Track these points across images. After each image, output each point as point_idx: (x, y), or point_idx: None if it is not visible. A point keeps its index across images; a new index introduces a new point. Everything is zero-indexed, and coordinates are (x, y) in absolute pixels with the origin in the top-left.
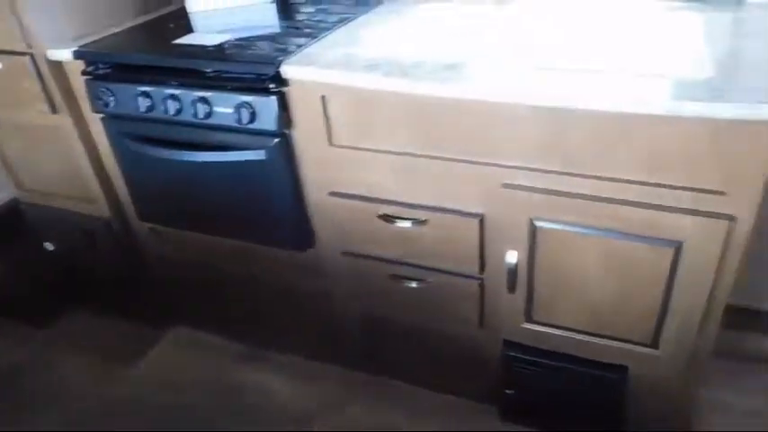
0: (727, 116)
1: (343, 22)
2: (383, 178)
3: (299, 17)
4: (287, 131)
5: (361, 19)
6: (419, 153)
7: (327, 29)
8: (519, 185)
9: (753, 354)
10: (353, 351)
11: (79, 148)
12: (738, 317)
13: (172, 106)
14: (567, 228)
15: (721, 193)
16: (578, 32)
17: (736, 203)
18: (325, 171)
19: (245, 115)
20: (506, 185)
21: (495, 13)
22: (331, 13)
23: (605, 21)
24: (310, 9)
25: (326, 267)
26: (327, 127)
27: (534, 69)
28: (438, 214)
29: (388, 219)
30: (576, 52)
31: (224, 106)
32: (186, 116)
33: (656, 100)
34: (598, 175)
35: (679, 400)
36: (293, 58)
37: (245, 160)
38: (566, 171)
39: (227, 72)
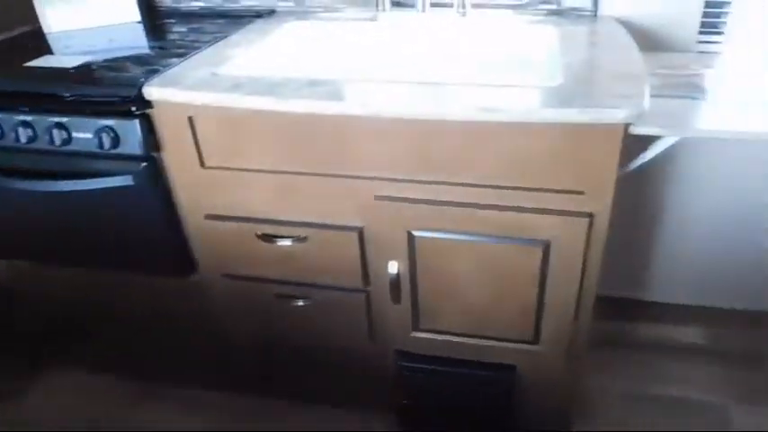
0: (577, 120)
1: (214, 41)
2: (259, 197)
3: (171, 37)
4: (155, 155)
5: (234, 37)
6: (293, 170)
7: (197, 48)
8: (392, 197)
9: (629, 341)
10: (249, 375)
11: None
12: (615, 307)
13: (23, 134)
14: (443, 235)
15: (579, 193)
16: (442, 47)
17: (593, 202)
18: (200, 193)
19: (107, 140)
20: (379, 198)
21: (364, 31)
22: (204, 33)
23: (468, 35)
24: (182, 29)
25: (210, 292)
26: (198, 148)
27: (398, 83)
28: (318, 230)
29: (268, 238)
30: (439, 66)
31: (83, 132)
32: (42, 144)
33: (511, 108)
34: (465, 182)
35: (562, 391)
36: (156, 79)
37: (112, 187)
38: (435, 180)
39: (85, 95)
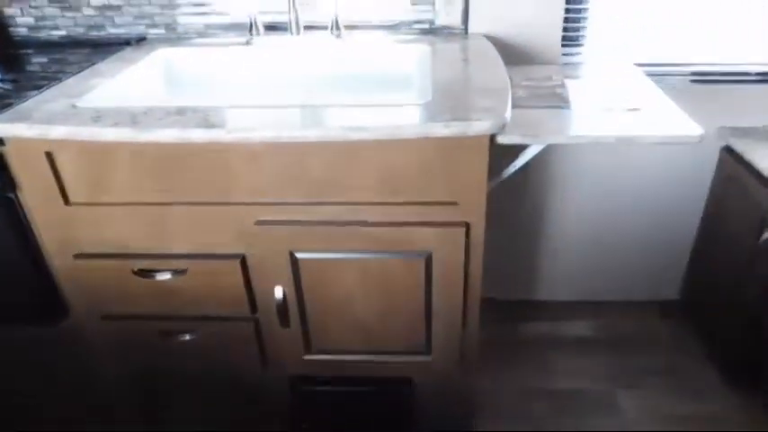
0: (442, 134)
1: (76, 71)
2: (132, 232)
3: (28, 68)
4: (11, 195)
5: (99, 66)
6: (167, 201)
7: (57, 80)
8: (272, 221)
9: (522, 340)
10: (142, 415)
11: None
12: (506, 309)
13: None
14: (325, 255)
15: (453, 204)
16: (316, 70)
17: (467, 212)
18: (66, 232)
19: None
20: (260, 222)
21: (237, 55)
22: (66, 63)
23: (342, 57)
24: (42, 59)
25: (87, 336)
26: (60, 184)
27: (267, 108)
28: (198, 261)
29: (146, 274)
30: (312, 89)
31: None
32: None
33: (377, 126)
34: (342, 201)
35: (460, 396)
36: (5, 115)
37: None
38: (313, 201)
39: None
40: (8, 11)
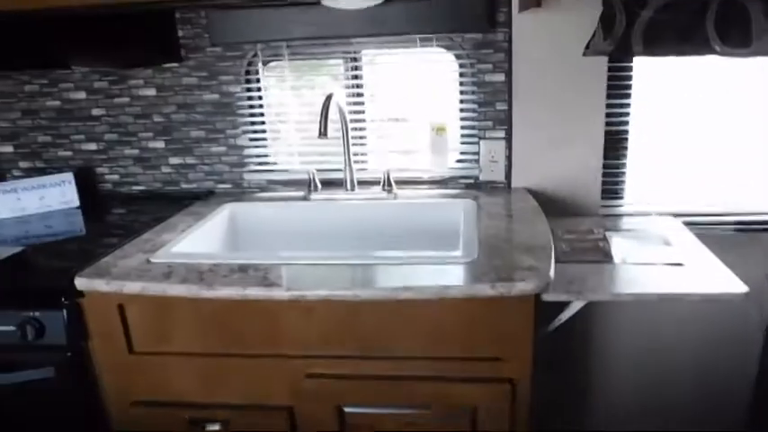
0: (489, 294)
1: (151, 224)
2: (187, 381)
3: (110, 218)
4: (82, 344)
5: (171, 220)
6: (222, 352)
7: (135, 232)
8: (321, 374)
9: None
10: None
11: None
12: None
13: None
14: (371, 410)
15: (498, 359)
16: (368, 224)
17: (512, 367)
18: (127, 380)
19: (31, 331)
20: (310, 375)
21: (296, 210)
22: (142, 215)
23: (393, 211)
24: (121, 211)
25: None
26: (127, 335)
27: (322, 265)
28: (247, 412)
29: (197, 423)
30: (364, 243)
31: (5, 324)
32: None
33: (425, 286)
34: (390, 355)
35: None
36: (87, 270)
37: (31, 380)
38: (360, 355)
39: (10, 289)
40: (99, 169)
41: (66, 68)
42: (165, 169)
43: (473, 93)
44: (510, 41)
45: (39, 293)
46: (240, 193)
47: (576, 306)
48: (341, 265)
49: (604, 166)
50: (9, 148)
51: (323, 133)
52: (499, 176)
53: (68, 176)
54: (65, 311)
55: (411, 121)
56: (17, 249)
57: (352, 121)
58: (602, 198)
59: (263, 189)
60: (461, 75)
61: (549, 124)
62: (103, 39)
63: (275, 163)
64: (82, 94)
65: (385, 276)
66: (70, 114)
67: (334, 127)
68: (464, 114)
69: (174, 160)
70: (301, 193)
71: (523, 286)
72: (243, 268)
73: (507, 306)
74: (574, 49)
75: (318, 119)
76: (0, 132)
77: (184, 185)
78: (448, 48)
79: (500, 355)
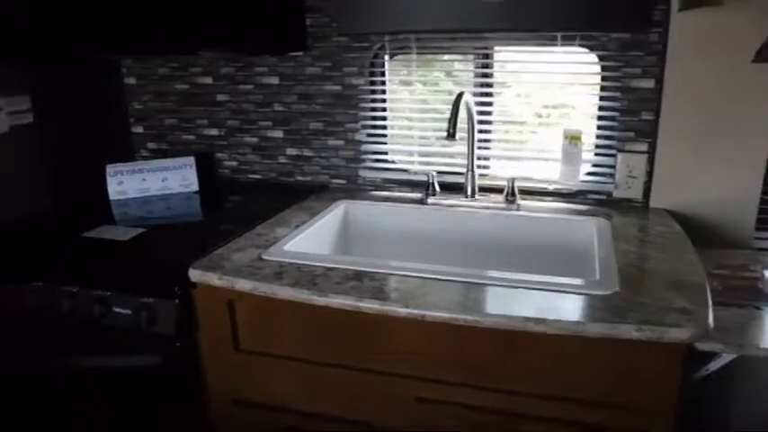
0: (632, 337)
1: (268, 214)
2: (291, 387)
3: (226, 205)
4: (191, 335)
5: (285, 214)
6: (327, 362)
7: (249, 222)
8: (435, 400)
9: None
10: None
11: None
12: None
13: (66, 305)
14: None
15: (631, 408)
16: (488, 236)
17: (647, 418)
18: (231, 377)
19: (145, 318)
20: (421, 399)
21: (412, 214)
22: (257, 203)
23: (516, 224)
24: (237, 198)
25: None
26: (234, 331)
27: (443, 281)
28: (348, 427)
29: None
30: (485, 257)
31: (122, 307)
32: (82, 315)
33: (559, 319)
34: (503, 387)
35: None
36: (201, 262)
37: (140, 365)
38: (478, 385)
39: (130, 273)
40: (218, 154)
41: (190, 54)
42: (281, 159)
43: (615, 99)
44: (665, 43)
45: (154, 280)
46: (354, 189)
47: (727, 357)
48: (463, 284)
49: (762, 192)
50: (140, 129)
51: (451, 135)
52: (636, 194)
53: (190, 160)
54: (177, 301)
55: (542, 126)
56: (140, 231)
57: (477, 122)
58: (757, 229)
59: (377, 187)
60: (604, 78)
61: (702, 139)
62: (231, 24)
63: (393, 161)
64: (209, 80)
65: (511, 302)
66: (196, 99)
67: (458, 128)
68: (602, 123)
69: (292, 151)
70: (418, 196)
71: (677, 334)
72: (357, 276)
73: (652, 351)
74: (741, 56)
75: (448, 118)
76: (134, 113)
77: (299, 177)
78: (591, 47)
79: (636, 403)
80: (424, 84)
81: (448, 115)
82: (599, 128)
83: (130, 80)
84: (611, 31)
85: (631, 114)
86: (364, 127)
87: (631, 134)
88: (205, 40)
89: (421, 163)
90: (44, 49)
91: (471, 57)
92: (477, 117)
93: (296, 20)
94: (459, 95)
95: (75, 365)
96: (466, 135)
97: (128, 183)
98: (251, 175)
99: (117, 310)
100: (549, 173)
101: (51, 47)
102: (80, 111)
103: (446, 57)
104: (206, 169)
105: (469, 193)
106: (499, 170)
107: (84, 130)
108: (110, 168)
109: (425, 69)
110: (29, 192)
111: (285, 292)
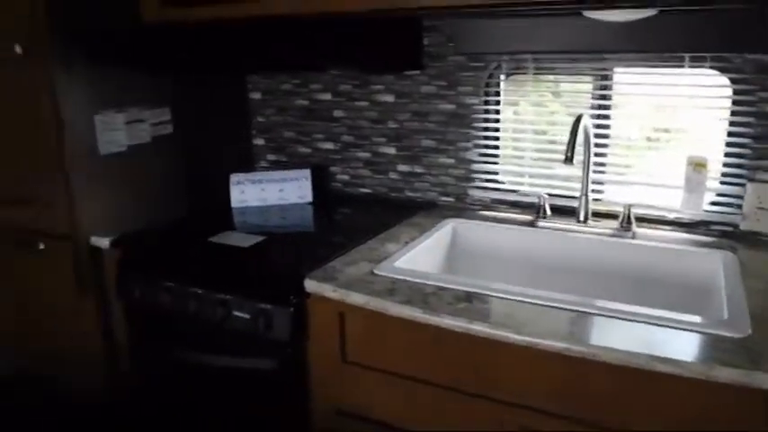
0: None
1: (379, 229)
2: (394, 404)
3: (337, 218)
4: (302, 343)
5: (395, 230)
6: (433, 381)
7: (359, 235)
8: (537, 431)
9: None
10: None
11: (96, 331)
12: None
13: (192, 305)
14: None
15: None
16: (602, 263)
17: None
18: (336, 387)
19: (262, 323)
20: (525, 429)
21: (522, 236)
22: (367, 218)
23: (632, 253)
24: (347, 210)
25: None
26: (342, 342)
27: (557, 308)
28: None
29: None
30: (599, 286)
31: (242, 311)
32: (205, 316)
33: (688, 361)
34: (613, 427)
35: None
36: (316, 273)
37: (254, 368)
38: (592, 424)
39: (249, 278)
40: (332, 168)
41: (321, 71)
42: (392, 175)
43: (748, 125)
44: None
45: (272, 288)
46: (462, 208)
47: None
48: (577, 313)
49: None
50: (261, 141)
51: (569, 159)
52: (766, 227)
53: (306, 173)
54: (292, 310)
55: (662, 151)
56: (259, 239)
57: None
58: None
59: (486, 207)
60: (735, 102)
61: None
62: (356, 43)
63: (503, 182)
64: (328, 96)
65: (630, 336)
66: (315, 114)
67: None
68: (731, 150)
69: (402, 167)
70: (528, 218)
71: None
72: (468, 297)
73: None
74: None
75: (567, 141)
76: (256, 126)
77: (409, 193)
78: (722, 70)
79: None
80: (535, 104)
81: (559, 137)
82: (727, 155)
83: (255, 95)
84: (743, 52)
85: (765, 141)
86: (476, 146)
87: (764, 162)
88: (336, 60)
89: (531, 184)
90: (190, 65)
91: (589, 78)
92: (593, 140)
93: (415, 40)
94: (578, 118)
95: (196, 361)
96: (581, 158)
97: (248, 192)
98: (361, 189)
99: (236, 313)
100: (668, 200)
101: (196, 63)
102: (209, 122)
103: (563, 78)
104: (319, 181)
105: (582, 217)
106: (614, 195)
107: (213, 141)
108: (233, 178)
109: (538, 90)
110: (166, 197)
111: (397, 309)
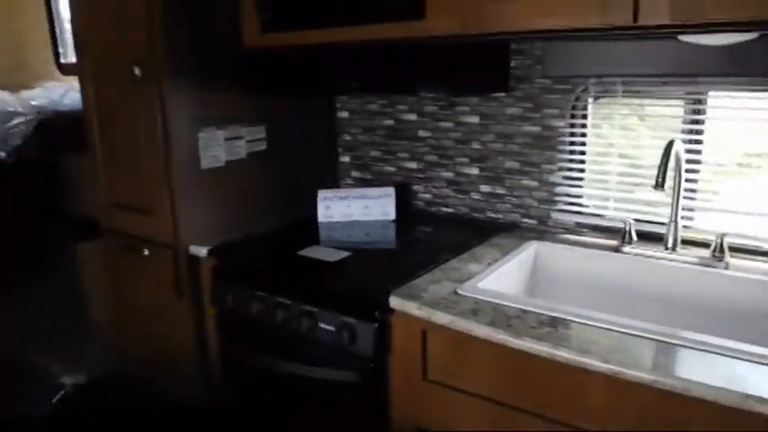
0: None
1: (461, 248)
2: (472, 424)
3: (419, 236)
4: (385, 358)
5: (477, 251)
6: (513, 404)
7: (441, 255)
8: None
9: None
10: None
11: (190, 335)
12: None
13: (280, 315)
14: None
15: None
16: (691, 294)
17: None
18: (415, 405)
19: (346, 336)
20: None
21: (607, 262)
22: (448, 237)
23: (724, 286)
24: (429, 229)
25: None
26: (424, 361)
27: (646, 339)
28: None
29: None
30: (688, 319)
31: (327, 323)
32: (292, 326)
33: None
34: None
35: None
36: (400, 290)
37: (338, 380)
38: None
39: (335, 292)
40: (415, 186)
41: (412, 94)
42: (474, 195)
43: None
44: None
45: (357, 302)
46: (544, 231)
47: None
48: (664, 344)
49: None
50: (347, 158)
51: (660, 184)
52: None
53: (390, 191)
54: (376, 325)
55: (754, 177)
56: (345, 254)
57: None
58: None
59: (569, 231)
60: None
61: None
62: (446, 67)
63: (587, 206)
64: (413, 116)
65: (721, 372)
66: (400, 133)
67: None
68: None
69: (485, 188)
70: (613, 243)
71: None
72: (552, 322)
73: None
74: None
75: (657, 166)
76: (343, 144)
77: (490, 214)
78: None
79: None
80: (621, 128)
81: (645, 161)
82: None
83: (343, 114)
84: None
85: None
86: (561, 169)
87: None
88: (428, 83)
89: (616, 209)
90: (286, 86)
91: (679, 101)
92: (684, 165)
93: (502, 62)
94: (670, 143)
95: (281, 370)
96: (670, 183)
97: (334, 207)
98: (443, 209)
99: (322, 325)
100: (763, 229)
101: (292, 85)
102: (299, 140)
103: (651, 101)
104: (402, 199)
105: (671, 244)
106: (704, 223)
107: (302, 157)
108: (321, 194)
109: (623, 113)
110: (257, 211)
111: (481, 331)
